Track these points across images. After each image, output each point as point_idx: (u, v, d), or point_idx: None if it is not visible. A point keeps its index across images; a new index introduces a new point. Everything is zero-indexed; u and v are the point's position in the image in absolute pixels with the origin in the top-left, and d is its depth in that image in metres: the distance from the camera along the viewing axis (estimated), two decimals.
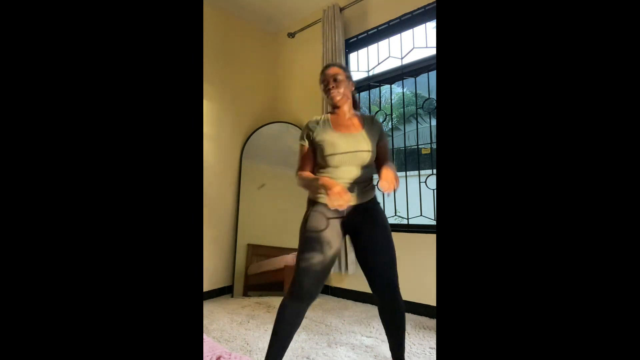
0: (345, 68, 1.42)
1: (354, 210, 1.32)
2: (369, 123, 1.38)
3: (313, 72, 2.78)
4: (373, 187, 1.39)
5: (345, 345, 1.67)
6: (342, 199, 1.08)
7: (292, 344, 1.67)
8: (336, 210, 1.27)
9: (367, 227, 1.34)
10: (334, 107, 1.38)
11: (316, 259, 1.22)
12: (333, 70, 1.36)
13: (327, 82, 1.35)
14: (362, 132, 1.34)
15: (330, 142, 1.30)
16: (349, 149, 1.29)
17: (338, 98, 1.34)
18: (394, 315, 1.38)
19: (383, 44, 2.48)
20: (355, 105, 1.46)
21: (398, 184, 1.17)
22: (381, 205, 1.46)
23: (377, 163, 1.35)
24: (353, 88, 1.42)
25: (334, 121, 1.37)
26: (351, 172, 1.30)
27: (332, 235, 1.26)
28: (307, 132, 1.35)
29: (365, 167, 1.32)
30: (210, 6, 2.66)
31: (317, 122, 1.37)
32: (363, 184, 1.33)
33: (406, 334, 1.79)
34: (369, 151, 1.30)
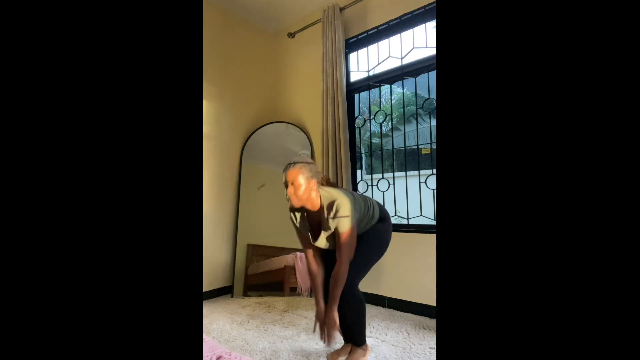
0: (305, 164, 1.41)
1: None
2: (327, 210, 1.43)
3: (313, 72, 2.78)
4: (372, 218, 1.54)
5: None
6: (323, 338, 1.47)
7: (292, 344, 1.68)
8: None
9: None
10: None
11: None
12: (290, 175, 1.38)
13: (286, 186, 1.39)
14: (322, 216, 1.44)
15: (309, 235, 1.52)
16: (319, 239, 1.48)
17: (296, 204, 1.40)
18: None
19: (383, 44, 2.48)
20: (325, 182, 1.53)
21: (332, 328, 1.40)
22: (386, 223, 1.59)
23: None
24: (316, 180, 1.43)
25: (307, 216, 1.51)
26: (327, 246, 1.49)
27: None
28: (291, 215, 1.54)
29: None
30: (210, 6, 2.66)
31: (294, 213, 1.53)
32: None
33: (406, 333, 1.80)
34: (331, 233, 1.43)
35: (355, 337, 1.53)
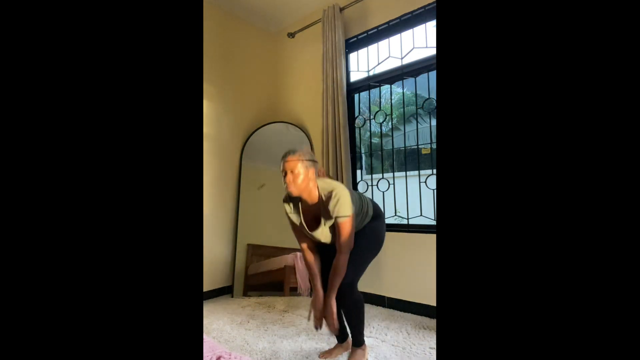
0: (304, 153, 1.41)
1: None
2: (326, 199, 1.40)
3: (313, 72, 2.78)
4: (366, 215, 1.52)
5: None
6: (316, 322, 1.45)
7: (291, 344, 1.68)
8: None
9: None
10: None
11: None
12: (290, 163, 1.37)
13: (284, 174, 1.38)
14: (322, 206, 1.42)
15: (303, 225, 1.48)
16: (315, 231, 1.45)
17: (294, 192, 1.38)
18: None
19: (383, 44, 2.48)
20: (322, 175, 1.53)
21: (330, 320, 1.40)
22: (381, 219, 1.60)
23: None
24: (314, 170, 1.42)
25: (302, 206, 1.47)
26: (327, 238, 1.46)
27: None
28: (285, 206, 1.50)
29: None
30: (210, 6, 2.66)
31: (289, 203, 1.49)
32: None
33: (406, 333, 1.80)
34: (329, 227, 1.42)
35: (354, 337, 1.54)
